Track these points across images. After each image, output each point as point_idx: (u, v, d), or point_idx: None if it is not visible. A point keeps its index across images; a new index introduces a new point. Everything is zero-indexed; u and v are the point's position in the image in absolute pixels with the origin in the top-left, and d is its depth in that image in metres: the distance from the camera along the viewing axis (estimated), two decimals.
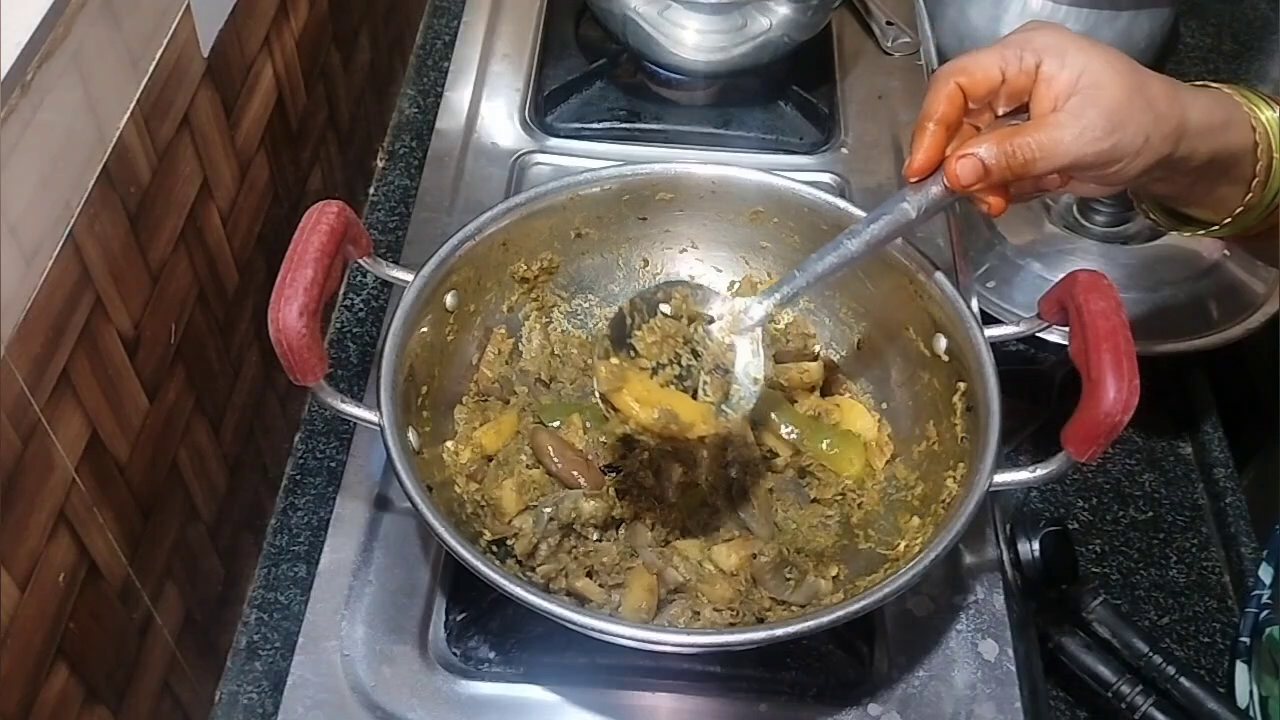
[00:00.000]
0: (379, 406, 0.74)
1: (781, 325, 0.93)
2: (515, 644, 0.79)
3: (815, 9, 1.09)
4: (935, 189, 0.72)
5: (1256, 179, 0.73)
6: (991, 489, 0.72)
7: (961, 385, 0.80)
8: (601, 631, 0.67)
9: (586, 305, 0.94)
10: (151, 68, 0.74)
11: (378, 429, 0.73)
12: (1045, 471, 0.72)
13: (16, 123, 0.60)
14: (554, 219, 0.89)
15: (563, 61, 1.19)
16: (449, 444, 0.84)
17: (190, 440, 0.85)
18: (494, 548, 0.79)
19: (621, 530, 0.80)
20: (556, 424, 0.86)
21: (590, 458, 0.83)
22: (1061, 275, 0.76)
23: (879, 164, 1.10)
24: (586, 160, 1.06)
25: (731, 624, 0.76)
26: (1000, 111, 0.73)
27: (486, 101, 1.15)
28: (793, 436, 0.86)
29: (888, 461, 0.86)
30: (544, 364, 0.90)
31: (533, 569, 0.79)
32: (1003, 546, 0.84)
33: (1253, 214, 0.75)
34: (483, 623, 0.80)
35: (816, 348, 0.92)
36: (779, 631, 0.67)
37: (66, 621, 0.69)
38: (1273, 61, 1.46)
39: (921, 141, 0.71)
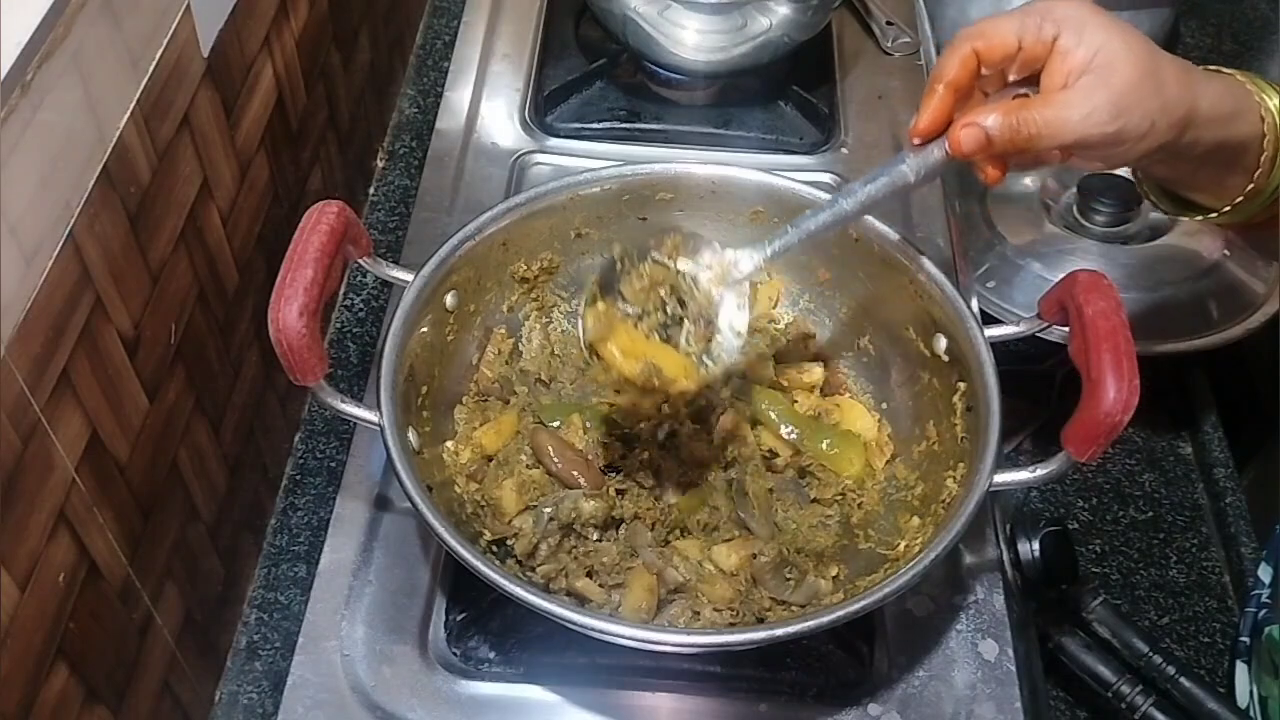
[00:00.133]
0: (379, 406, 0.74)
1: (781, 325, 0.93)
2: (515, 644, 0.79)
3: (815, 9, 1.09)
4: (937, 153, 0.72)
5: (1260, 169, 0.73)
6: (991, 489, 0.72)
7: (961, 385, 0.80)
8: (601, 631, 0.67)
9: None
10: (151, 68, 0.74)
11: (378, 429, 0.73)
12: (1045, 471, 0.72)
13: (16, 123, 0.60)
14: (554, 219, 0.89)
15: (563, 61, 1.19)
16: (449, 444, 0.84)
17: (190, 440, 0.85)
18: (494, 548, 0.79)
19: (621, 530, 0.80)
20: (556, 424, 0.86)
21: (590, 458, 0.83)
22: (1061, 275, 0.76)
23: (879, 164, 1.09)
24: (586, 160, 1.06)
25: (731, 624, 0.76)
26: (1012, 79, 0.72)
27: (486, 101, 1.15)
28: (793, 436, 0.86)
29: (888, 461, 0.86)
30: (544, 364, 0.90)
31: (533, 569, 0.79)
32: (1003, 546, 0.84)
33: (1255, 202, 0.75)
34: (483, 623, 0.80)
35: (816, 348, 0.92)
36: (779, 631, 0.67)
37: (66, 621, 0.69)
38: (1273, 61, 1.46)
39: (929, 103, 0.71)
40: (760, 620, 0.77)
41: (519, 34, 1.23)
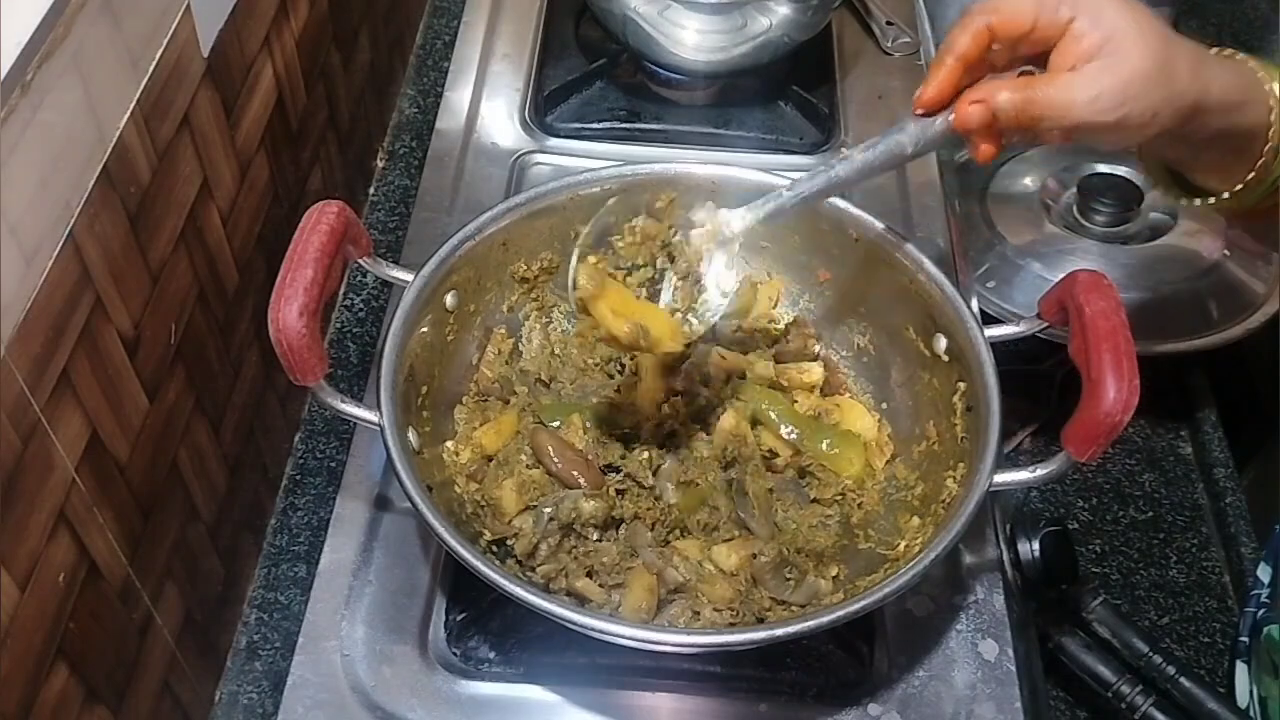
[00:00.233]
0: (379, 406, 0.74)
1: (781, 325, 0.93)
2: (515, 644, 0.79)
3: (815, 9, 1.09)
4: (938, 125, 0.72)
5: (1263, 159, 0.73)
6: (991, 489, 0.72)
7: (961, 385, 0.80)
8: (601, 631, 0.67)
9: None
10: (151, 68, 0.74)
11: (378, 429, 0.73)
12: (1045, 471, 0.72)
13: (16, 123, 0.60)
14: (554, 219, 0.89)
15: (563, 61, 1.19)
16: (449, 444, 0.84)
17: (190, 440, 0.85)
18: (494, 548, 0.79)
19: (621, 530, 0.80)
20: (556, 424, 0.86)
21: (590, 458, 0.83)
22: (1061, 275, 0.76)
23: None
24: (586, 160, 1.06)
25: (731, 624, 0.76)
26: (1021, 54, 0.72)
27: (486, 101, 1.15)
28: (793, 436, 0.85)
29: (888, 461, 0.86)
30: (544, 364, 0.90)
31: (533, 569, 0.79)
32: (1003, 546, 0.84)
33: (1258, 190, 0.75)
34: (483, 623, 0.80)
35: (816, 348, 0.92)
36: (779, 631, 0.67)
37: (66, 621, 0.69)
38: (1273, 61, 1.46)
39: (937, 75, 0.71)
40: (760, 620, 0.77)
41: (519, 34, 1.23)
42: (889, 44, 1.23)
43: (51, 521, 0.66)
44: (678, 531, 0.81)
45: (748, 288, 0.93)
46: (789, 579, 0.78)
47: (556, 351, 0.91)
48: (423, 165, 1.10)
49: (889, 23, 1.24)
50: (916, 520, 0.79)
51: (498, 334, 0.90)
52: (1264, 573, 0.93)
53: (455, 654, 0.78)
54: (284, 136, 0.99)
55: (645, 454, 0.83)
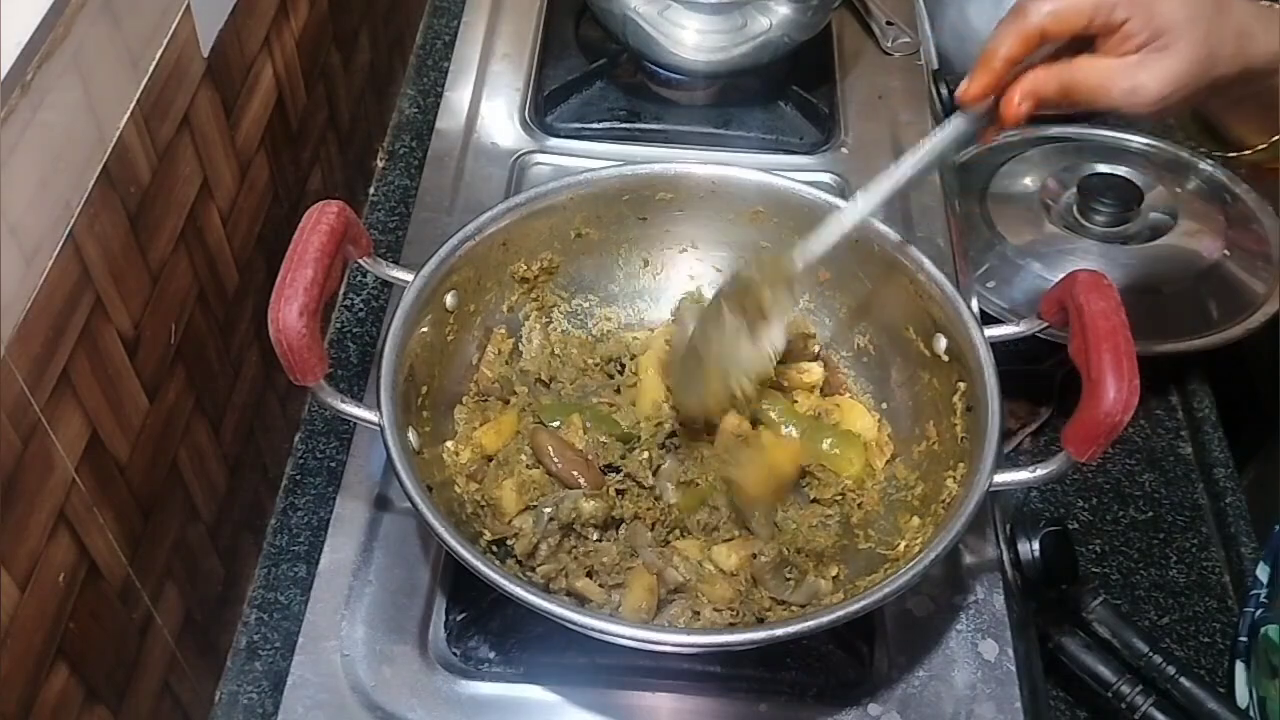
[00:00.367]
0: (379, 406, 0.74)
1: None
2: (515, 644, 0.79)
3: (815, 9, 1.09)
4: (979, 119, 0.74)
5: None
6: (991, 489, 0.72)
7: (961, 385, 0.80)
8: (601, 631, 0.67)
9: (586, 305, 0.94)
10: (151, 68, 0.74)
11: (378, 429, 0.73)
12: (1045, 471, 0.72)
13: (16, 123, 0.60)
14: (554, 219, 0.89)
15: (563, 61, 1.19)
16: (449, 444, 0.84)
17: (190, 440, 0.85)
18: (494, 548, 0.79)
19: (621, 530, 0.80)
20: (556, 424, 0.86)
21: (590, 458, 0.83)
22: (1061, 275, 0.76)
23: (879, 164, 1.08)
24: (586, 160, 1.06)
25: (731, 624, 0.76)
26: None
27: (486, 101, 1.15)
28: (793, 437, 0.85)
29: (888, 461, 0.86)
30: (544, 364, 0.90)
31: (533, 569, 0.79)
32: (1003, 546, 0.84)
33: None
34: (483, 623, 0.80)
35: (816, 348, 0.92)
36: (779, 631, 0.67)
37: (66, 621, 0.69)
38: None
39: (983, 77, 0.71)
40: (760, 620, 0.77)
41: (519, 34, 1.23)
42: (889, 44, 1.23)
43: (51, 521, 0.66)
44: (678, 531, 0.81)
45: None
46: (789, 579, 0.78)
47: (556, 351, 0.91)
48: (423, 165, 1.10)
49: (889, 23, 1.24)
50: (916, 520, 0.79)
51: (498, 334, 0.90)
52: (1263, 573, 0.93)
53: (455, 654, 0.78)
54: (284, 136, 0.99)
55: (645, 454, 0.83)
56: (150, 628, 0.80)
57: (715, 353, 0.80)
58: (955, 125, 0.75)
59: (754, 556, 0.79)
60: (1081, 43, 0.71)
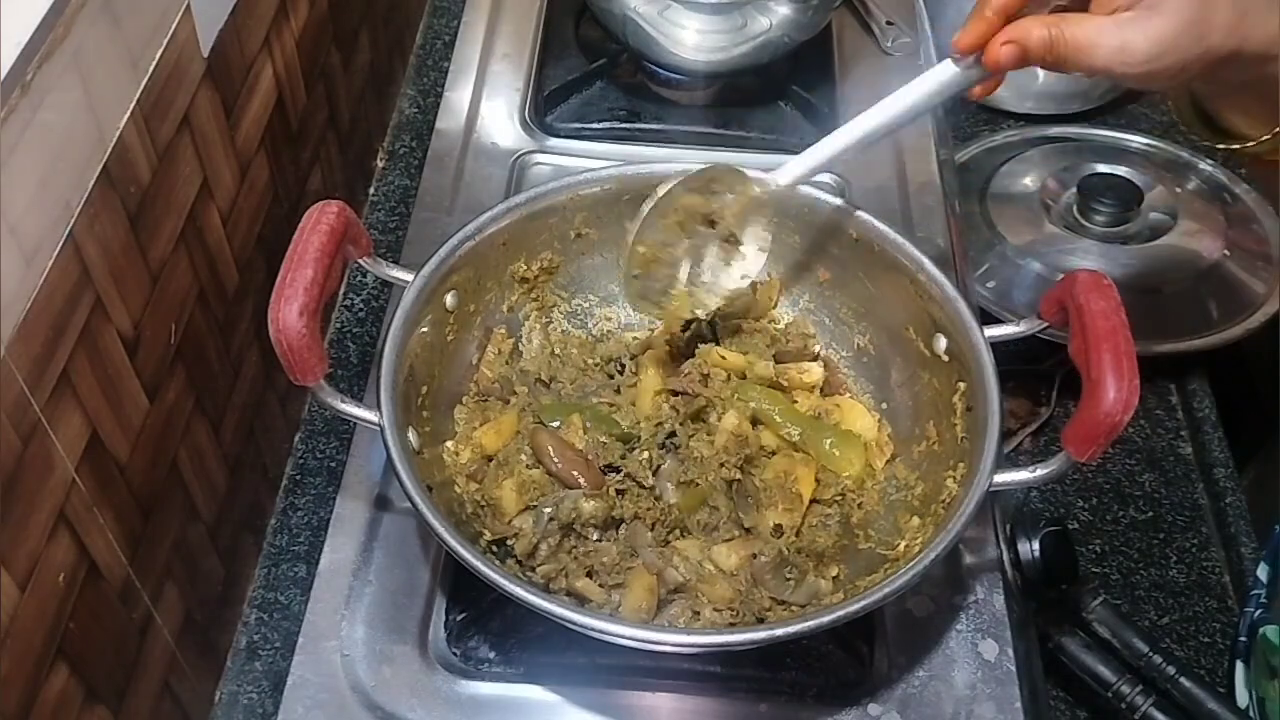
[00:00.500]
0: (379, 406, 0.74)
1: (781, 325, 0.93)
2: (515, 644, 0.79)
3: (815, 9, 1.09)
4: (969, 70, 0.75)
5: None
6: (991, 489, 0.72)
7: (961, 385, 0.80)
8: (601, 631, 0.67)
9: (586, 305, 0.94)
10: (151, 68, 0.74)
11: (378, 429, 0.73)
12: (1045, 471, 0.72)
13: (16, 123, 0.60)
14: (554, 219, 0.89)
15: (563, 61, 1.19)
16: (449, 444, 0.84)
17: (190, 440, 0.85)
18: (494, 548, 0.79)
19: (621, 530, 0.80)
20: (556, 424, 0.86)
21: (590, 458, 0.83)
22: (1061, 275, 0.76)
23: (879, 164, 1.10)
24: (586, 160, 1.06)
25: (731, 624, 0.76)
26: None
27: (486, 101, 1.15)
28: (793, 437, 0.85)
29: (888, 461, 0.86)
30: (544, 364, 0.90)
31: (533, 569, 0.79)
32: (1003, 546, 0.84)
33: None
34: (483, 623, 0.80)
35: (816, 348, 0.92)
36: (779, 631, 0.67)
37: (66, 621, 0.69)
38: None
39: (976, 26, 0.72)
40: (760, 620, 0.77)
41: (519, 34, 1.23)
42: (889, 44, 1.23)
43: (51, 521, 0.66)
44: (678, 531, 0.81)
45: (748, 288, 0.93)
46: (789, 579, 0.78)
47: (556, 351, 0.91)
48: (423, 165, 1.10)
49: (889, 23, 1.24)
50: (916, 520, 0.79)
51: (498, 334, 0.90)
52: (1263, 573, 0.93)
53: (455, 654, 0.78)
54: (284, 136, 0.99)
55: (645, 454, 0.83)
56: (150, 628, 0.80)
57: (680, 262, 0.83)
58: (945, 70, 0.76)
59: (754, 556, 0.79)
60: (1079, 6, 0.71)
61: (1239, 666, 0.92)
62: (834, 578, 0.79)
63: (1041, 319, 0.78)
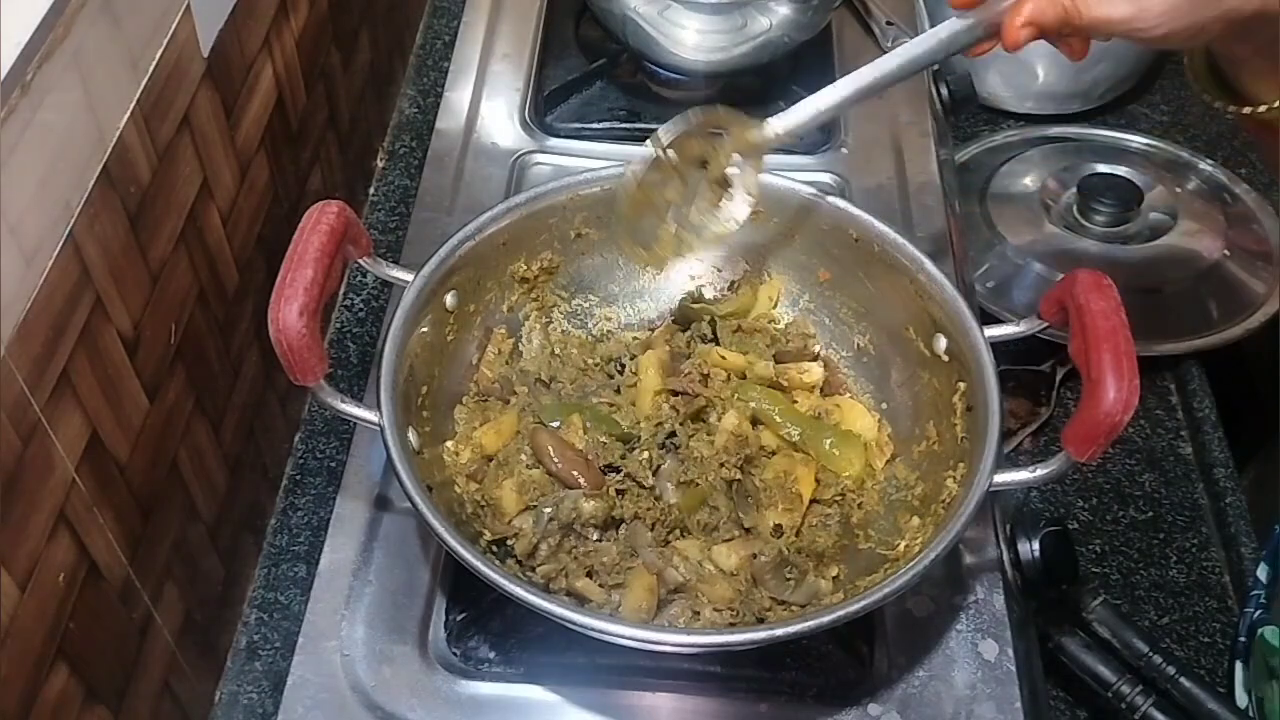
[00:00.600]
0: (379, 406, 0.74)
1: (781, 325, 0.93)
2: (515, 644, 0.79)
3: (815, 9, 1.09)
4: (975, 29, 0.74)
5: None
6: (991, 489, 0.72)
7: (961, 385, 0.80)
8: (601, 631, 0.67)
9: (586, 305, 0.94)
10: (151, 68, 0.74)
11: (378, 429, 0.73)
12: (1045, 471, 0.72)
13: (16, 123, 0.60)
14: (554, 219, 0.89)
15: (563, 61, 1.19)
16: (449, 444, 0.84)
17: (190, 440, 0.85)
18: (494, 548, 0.79)
19: (621, 530, 0.80)
20: (556, 424, 0.86)
21: (590, 458, 0.83)
22: (1061, 275, 0.76)
23: (879, 164, 1.10)
24: (586, 160, 1.06)
25: (731, 624, 0.76)
26: None
27: (486, 101, 1.15)
28: (793, 437, 0.85)
29: (888, 461, 0.86)
30: (544, 364, 0.90)
31: (533, 569, 0.79)
32: (1003, 546, 0.84)
33: None
34: (483, 623, 0.80)
35: (816, 348, 0.92)
36: (779, 631, 0.67)
37: (66, 621, 0.69)
38: None
39: None
40: (760, 620, 0.77)
41: (519, 34, 1.23)
42: (889, 44, 1.23)
43: (51, 521, 0.66)
44: (678, 531, 0.81)
45: (747, 288, 0.93)
46: (789, 579, 0.78)
47: (556, 351, 0.91)
48: (423, 165, 1.10)
49: (889, 23, 1.24)
50: (916, 520, 0.79)
51: (498, 334, 0.90)
52: (1263, 573, 0.93)
53: (455, 654, 0.78)
54: (284, 136, 0.99)
55: (645, 454, 0.83)
56: (150, 628, 0.80)
57: (669, 202, 0.83)
58: (949, 27, 0.75)
59: (754, 556, 0.79)
60: None
61: (1239, 666, 0.92)
62: (834, 578, 0.79)
63: (1041, 319, 0.78)
